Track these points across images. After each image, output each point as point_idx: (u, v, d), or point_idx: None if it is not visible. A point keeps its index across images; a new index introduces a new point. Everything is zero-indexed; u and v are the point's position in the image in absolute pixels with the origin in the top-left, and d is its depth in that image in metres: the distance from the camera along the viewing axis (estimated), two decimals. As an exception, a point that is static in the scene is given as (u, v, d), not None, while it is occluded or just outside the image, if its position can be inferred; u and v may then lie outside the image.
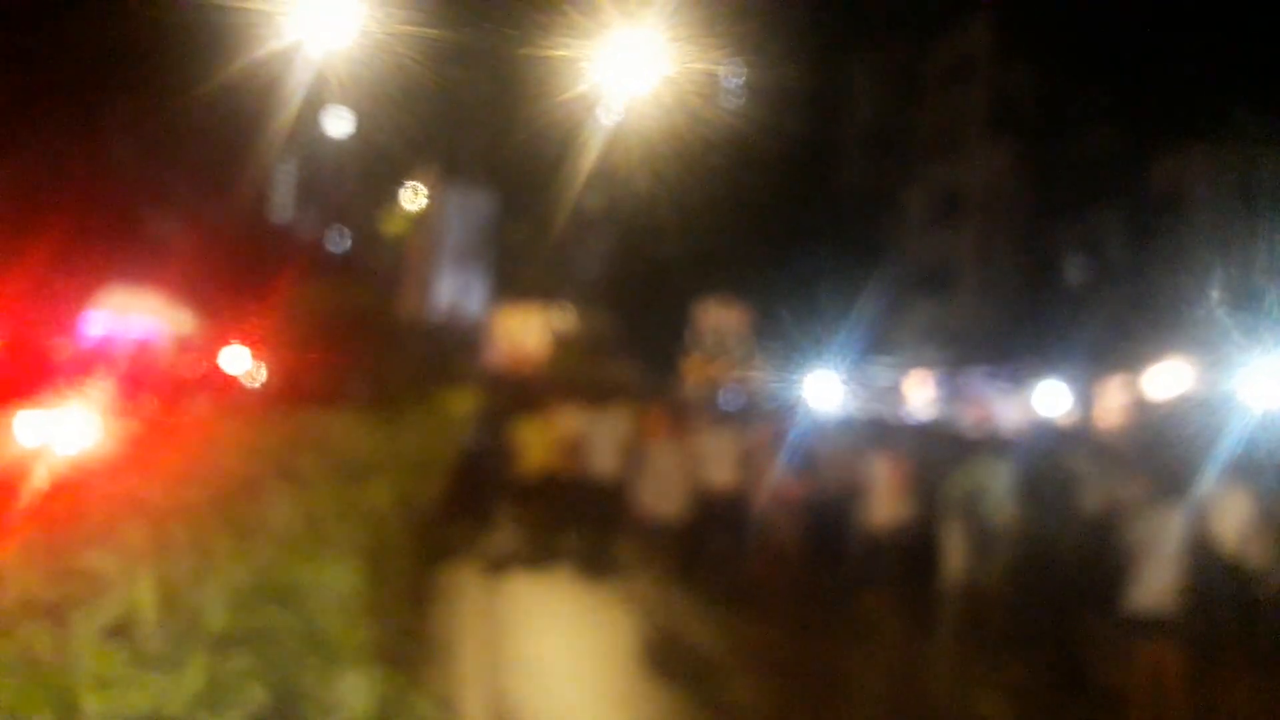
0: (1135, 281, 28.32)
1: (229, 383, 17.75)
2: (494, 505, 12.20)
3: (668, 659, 8.70)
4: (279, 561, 3.44)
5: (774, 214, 32.35)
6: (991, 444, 12.18)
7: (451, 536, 10.09)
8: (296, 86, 16.11)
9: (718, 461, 11.23)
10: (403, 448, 7.12)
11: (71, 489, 4.64)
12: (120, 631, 2.75)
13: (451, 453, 10.68)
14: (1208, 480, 8.10)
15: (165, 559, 3.19)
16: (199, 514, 3.85)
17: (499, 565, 11.28)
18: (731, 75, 32.71)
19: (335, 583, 3.42)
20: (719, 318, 25.46)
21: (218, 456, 5.25)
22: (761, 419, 12.28)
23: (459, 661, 8.20)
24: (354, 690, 2.89)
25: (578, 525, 11.14)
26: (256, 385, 16.11)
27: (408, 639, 4.10)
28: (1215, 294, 19.81)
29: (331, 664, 2.96)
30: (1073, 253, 32.86)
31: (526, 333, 22.68)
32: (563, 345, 23.24)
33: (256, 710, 2.67)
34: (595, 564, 10.78)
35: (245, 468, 4.97)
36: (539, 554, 11.21)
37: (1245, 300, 18.51)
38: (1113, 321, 26.65)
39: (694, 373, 23.41)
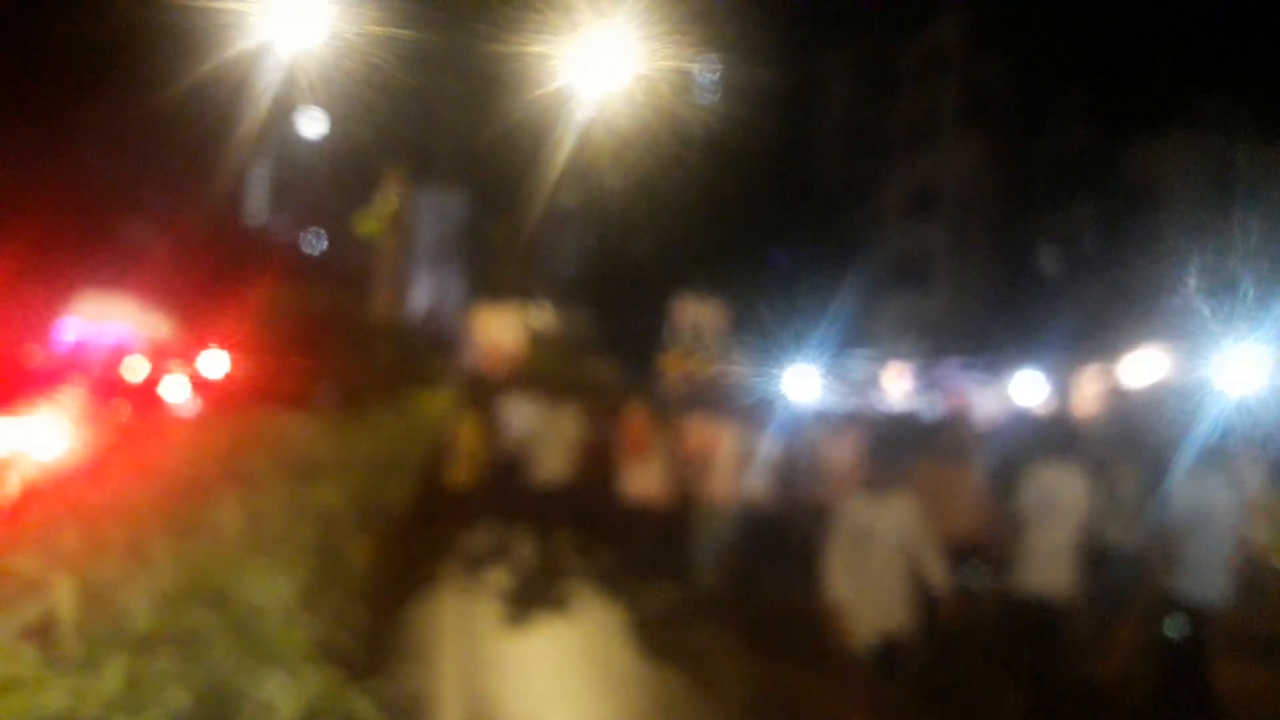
0: (1111, 271, 28.44)
1: (202, 387, 17.62)
2: (463, 505, 12.15)
3: (635, 659, 8.68)
4: (216, 562, 3.39)
5: (750, 209, 32.42)
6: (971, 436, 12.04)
7: (416, 536, 10.01)
8: (268, 88, 16.01)
9: (697, 458, 11.19)
10: (363, 448, 7.04)
11: (20, 493, 4.57)
12: (37, 633, 2.69)
13: (418, 453, 10.59)
14: (1185, 467, 8.08)
15: (96, 561, 3.14)
16: (139, 515, 3.79)
17: (465, 565, 11.24)
18: (706, 72, 32.74)
19: (273, 583, 3.37)
20: (696, 313, 25.44)
21: (168, 458, 5.18)
22: (739, 413, 12.16)
23: (417, 661, 8.15)
24: (283, 690, 2.85)
25: (547, 525, 11.02)
26: (229, 388, 16.00)
27: (356, 639, 4.05)
28: (1191, 282, 19.88)
29: (262, 664, 2.92)
30: (1048, 243, 33.03)
31: (503, 331, 22.60)
32: (539, 343, 23.17)
33: (177, 712, 2.64)
34: (563, 564, 10.65)
35: (194, 469, 4.90)
36: (507, 554, 11.14)
37: (1221, 288, 18.57)
38: (1089, 311, 26.75)
39: (672, 369, 23.36)
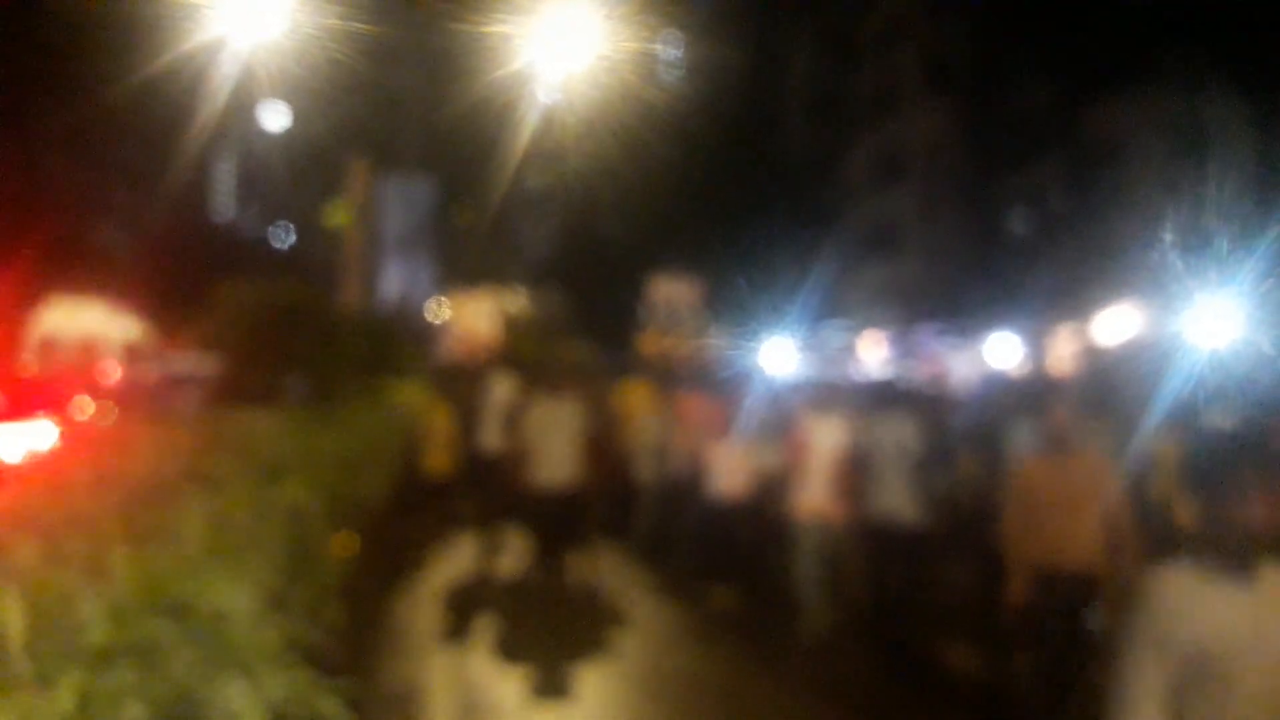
0: (1081, 230, 28.50)
1: (173, 386, 17.45)
2: (442, 495, 12.03)
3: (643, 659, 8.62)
4: (177, 569, 3.28)
5: (718, 185, 32.37)
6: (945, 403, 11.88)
7: (395, 529, 9.89)
8: (227, 82, 15.82)
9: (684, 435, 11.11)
10: (334, 442, 6.93)
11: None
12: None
13: (392, 445, 10.45)
14: (1159, 422, 8.04)
15: (51, 574, 3.04)
16: (98, 524, 3.68)
17: (449, 557, 11.15)
18: (668, 51, 32.68)
19: (236, 588, 3.27)
20: (670, 291, 25.39)
21: (130, 462, 5.06)
22: (720, 388, 12.01)
23: (401, 658, 8.05)
24: (247, 697, 2.78)
25: (528, 512, 10.76)
26: (200, 387, 15.84)
27: (330, 637, 3.97)
28: (1163, 238, 19.92)
29: (225, 672, 2.84)
30: (1018, 205, 33.08)
31: (476, 317, 22.46)
32: (514, 327, 23.06)
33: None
34: (544, 550, 10.39)
35: (157, 472, 4.79)
36: (487, 545, 11.01)
37: (1194, 242, 18.61)
38: (1062, 271, 26.81)
39: (649, 348, 23.31)
